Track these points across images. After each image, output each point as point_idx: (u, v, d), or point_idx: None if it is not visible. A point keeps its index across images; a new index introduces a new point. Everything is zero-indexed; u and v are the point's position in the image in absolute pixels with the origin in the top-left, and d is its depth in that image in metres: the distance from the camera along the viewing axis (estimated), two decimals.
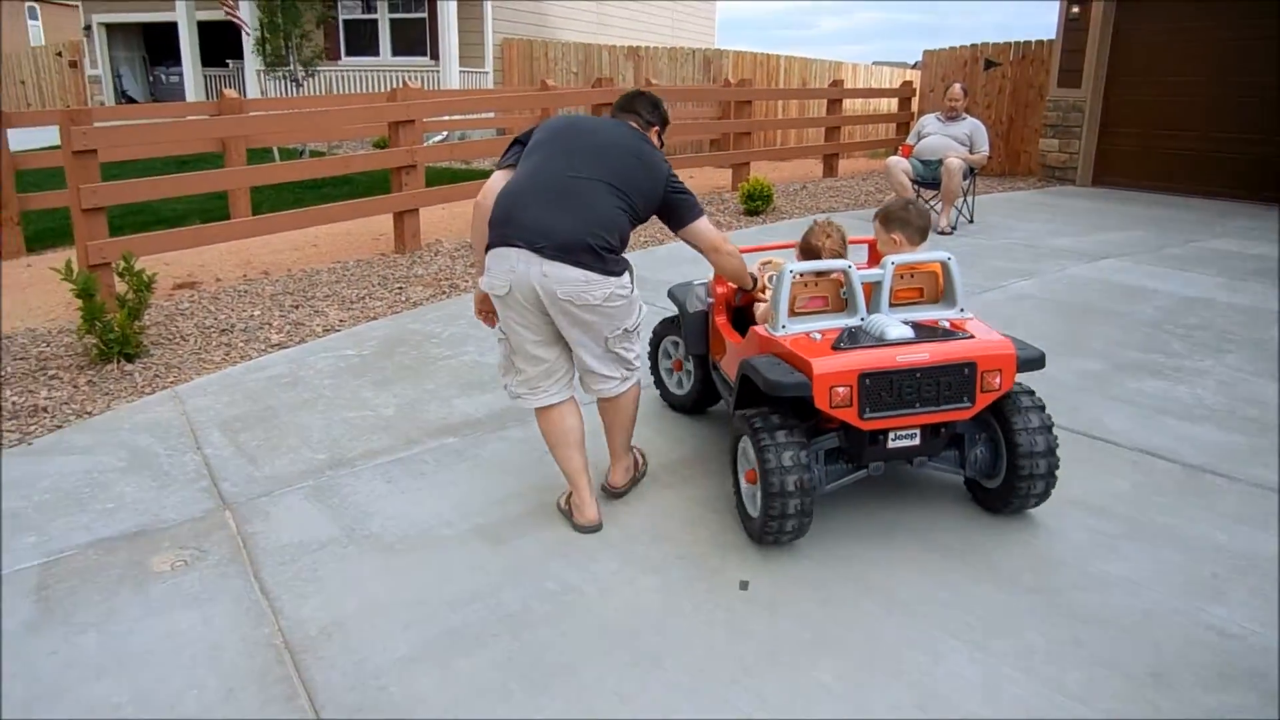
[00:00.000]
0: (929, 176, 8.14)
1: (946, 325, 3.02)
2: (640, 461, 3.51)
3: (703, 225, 3.19)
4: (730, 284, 3.67)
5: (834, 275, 3.06)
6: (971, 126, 8.13)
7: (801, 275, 3.01)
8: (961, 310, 3.09)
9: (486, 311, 3.28)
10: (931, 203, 8.33)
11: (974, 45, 12.47)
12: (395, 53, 16.21)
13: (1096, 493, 3.37)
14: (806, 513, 2.84)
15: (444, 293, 6.20)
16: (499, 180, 3.07)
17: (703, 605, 2.70)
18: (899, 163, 8.15)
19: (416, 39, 16.04)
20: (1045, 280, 6.43)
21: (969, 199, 8.40)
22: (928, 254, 3.16)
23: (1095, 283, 6.36)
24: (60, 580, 2.90)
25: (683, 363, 4.07)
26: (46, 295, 6.40)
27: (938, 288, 3.14)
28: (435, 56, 15.54)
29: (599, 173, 2.96)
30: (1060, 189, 11.01)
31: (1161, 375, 4.58)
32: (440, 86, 14.96)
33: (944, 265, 3.09)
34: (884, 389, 2.79)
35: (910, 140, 8.47)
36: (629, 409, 3.23)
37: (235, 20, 12.86)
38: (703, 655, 2.48)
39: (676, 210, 3.15)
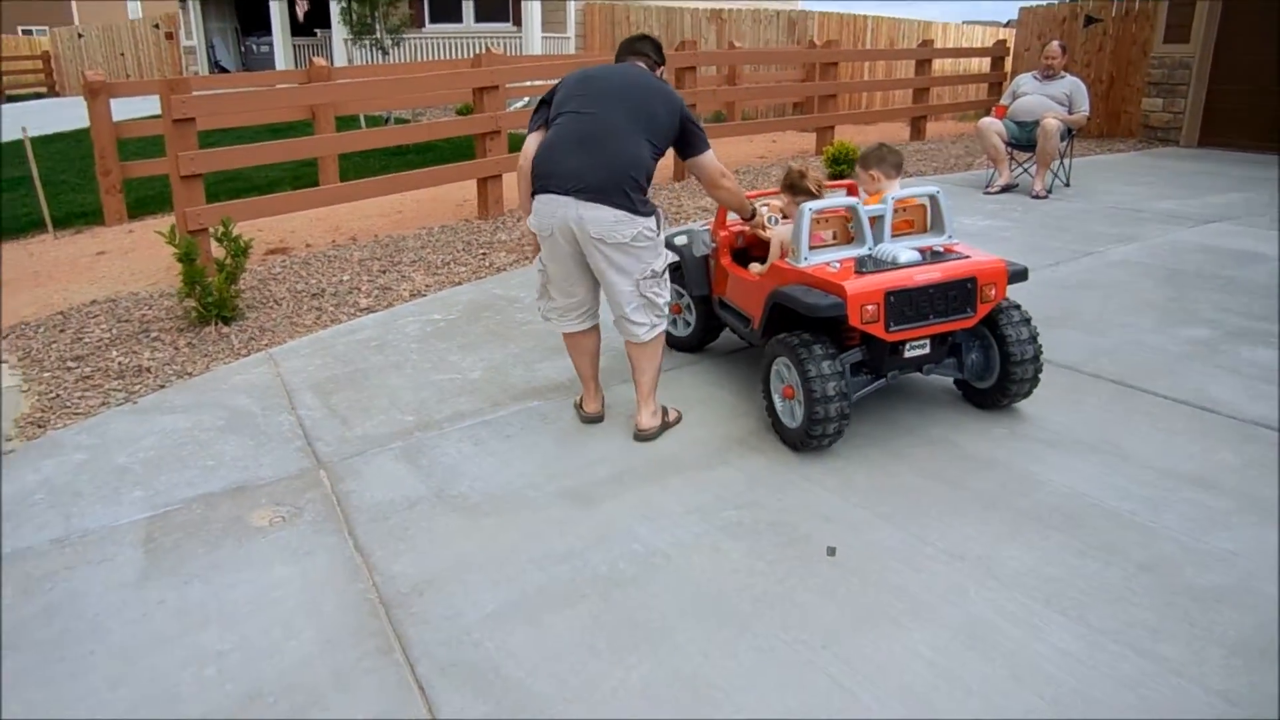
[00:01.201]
0: (1024, 138, 7.84)
1: (940, 249, 3.47)
2: (673, 413, 3.70)
3: (710, 157, 3.53)
4: (732, 228, 4.08)
5: (842, 212, 3.48)
6: (1071, 85, 7.78)
7: (816, 212, 3.41)
8: (950, 236, 3.57)
9: (536, 249, 3.61)
10: (1026, 165, 8.04)
11: (1073, 1, 11.94)
12: (478, 19, 16.27)
13: (1203, 465, 3.23)
14: (845, 416, 3.23)
15: (527, 258, 6.23)
16: (534, 143, 3.41)
17: (793, 570, 2.68)
18: (992, 124, 7.86)
19: (499, 5, 16.06)
20: (1148, 245, 6.16)
21: (1066, 161, 8.08)
22: (921, 189, 3.58)
23: (1202, 248, 6.07)
24: (167, 533, 3.02)
25: (681, 308, 4.35)
26: (148, 260, 6.64)
27: (926, 220, 3.62)
28: (518, 22, 15.55)
29: (622, 115, 3.30)
30: (1163, 150, 10.51)
31: (1272, 344, 4.35)
32: (523, 52, 14.98)
33: (934, 198, 3.57)
34: (905, 305, 3.22)
35: (1004, 100, 8.16)
36: (657, 354, 3.52)
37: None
38: (791, 620, 2.45)
39: (690, 140, 3.47)
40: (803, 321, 3.37)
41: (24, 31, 35.82)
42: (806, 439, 3.28)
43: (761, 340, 3.61)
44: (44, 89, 23.63)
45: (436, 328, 4.91)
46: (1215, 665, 2.25)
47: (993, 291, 3.36)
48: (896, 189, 3.67)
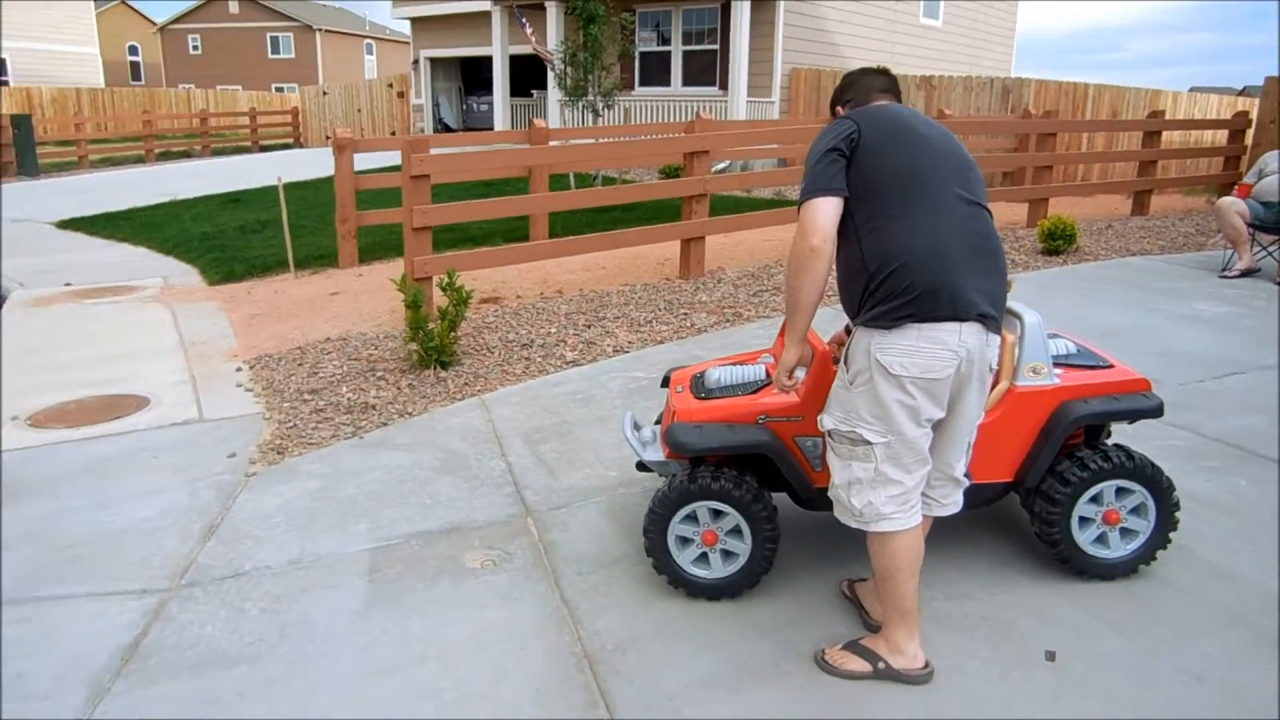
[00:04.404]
0: (1270, 220, 7.25)
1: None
2: None
3: None
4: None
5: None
6: None
7: None
8: None
9: (799, 371, 2.67)
10: (1270, 249, 7.43)
11: None
12: (686, 83, 16.75)
13: None
14: None
15: (727, 321, 6.29)
16: (830, 213, 2.35)
17: (1008, 672, 2.54)
18: (1234, 203, 7.32)
19: (706, 69, 16.49)
20: None
21: None
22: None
23: None
24: (389, 565, 3.21)
25: (717, 535, 2.91)
26: (374, 302, 7.15)
27: None
28: (724, 86, 15.88)
29: (979, 193, 2.47)
30: None
31: None
32: (727, 116, 15.27)
33: None
34: None
35: (1249, 179, 7.59)
36: None
37: (544, 56, 13.86)
38: None
39: None
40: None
41: (276, 89, 39.85)
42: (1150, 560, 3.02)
43: (1030, 482, 2.96)
44: (290, 141, 26.12)
45: (639, 385, 5.02)
46: None
47: None
48: None
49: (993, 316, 2.39)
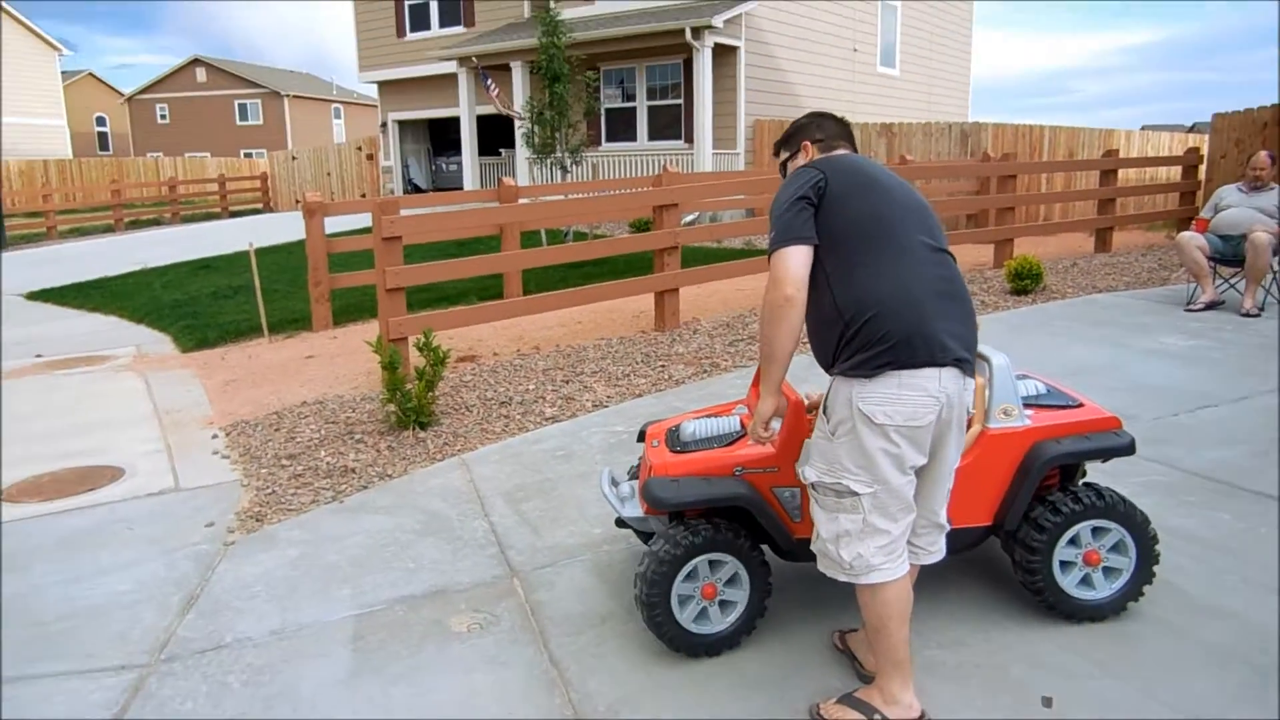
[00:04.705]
0: (1229, 253, 7.42)
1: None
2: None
3: None
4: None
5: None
6: None
7: None
8: None
9: (775, 422, 2.69)
10: (1233, 281, 7.59)
11: (1276, 105, 11.36)
12: (651, 137, 16.99)
13: None
14: None
15: (705, 371, 6.31)
16: (802, 261, 2.37)
17: None
18: (1193, 238, 7.48)
19: (671, 123, 16.75)
20: None
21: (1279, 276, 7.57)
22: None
23: None
24: (373, 632, 3.16)
25: (716, 587, 2.89)
26: (350, 364, 7.12)
27: None
28: (689, 139, 16.12)
29: (941, 240, 2.50)
30: None
31: None
32: (694, 168, 15.47)
33: None
34: None
35: (1206, 214, 7.77)
36: None
37: (510, 113, 14.04)
38: None
39: None
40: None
41: (245, 154, 39.98)
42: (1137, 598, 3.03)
43: (1009, 525, 2.96)
44: (260, 206, 26.13)
45: (619, 439, 5.00)
46: None
47: None
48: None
49: (967, 360, 2.42)
